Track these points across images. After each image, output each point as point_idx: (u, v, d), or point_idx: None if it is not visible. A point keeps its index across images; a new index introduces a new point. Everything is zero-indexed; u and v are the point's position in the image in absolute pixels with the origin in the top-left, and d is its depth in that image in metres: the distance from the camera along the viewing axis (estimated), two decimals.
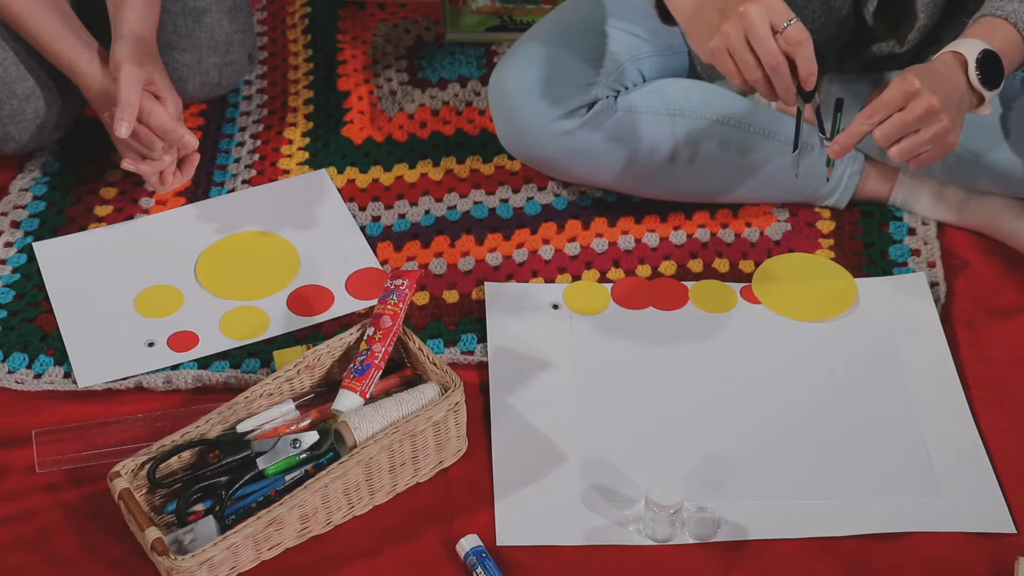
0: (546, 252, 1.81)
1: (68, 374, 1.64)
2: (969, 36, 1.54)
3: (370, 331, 1.53)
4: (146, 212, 1.89)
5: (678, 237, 1.82)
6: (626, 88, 1.76)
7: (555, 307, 1.72)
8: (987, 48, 1.51)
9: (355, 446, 1.42)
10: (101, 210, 1.89)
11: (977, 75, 1.51)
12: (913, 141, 1.49)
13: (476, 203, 1.89)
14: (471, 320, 1.71)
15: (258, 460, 1.44)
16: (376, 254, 1.81)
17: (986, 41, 1.52)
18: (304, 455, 1.45)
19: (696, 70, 1.85)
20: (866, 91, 1.75)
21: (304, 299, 1.74)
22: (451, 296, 1.75)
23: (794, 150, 1.59)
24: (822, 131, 1.56)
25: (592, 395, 1.60)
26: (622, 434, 1.55)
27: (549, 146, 1.75)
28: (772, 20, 1.44)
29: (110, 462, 1.43)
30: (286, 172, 1.96)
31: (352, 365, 1.51)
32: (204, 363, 1.65)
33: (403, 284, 1.57)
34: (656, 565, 1.42)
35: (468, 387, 1.49)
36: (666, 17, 1.59)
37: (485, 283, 1.75)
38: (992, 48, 1.51)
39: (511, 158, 1.92)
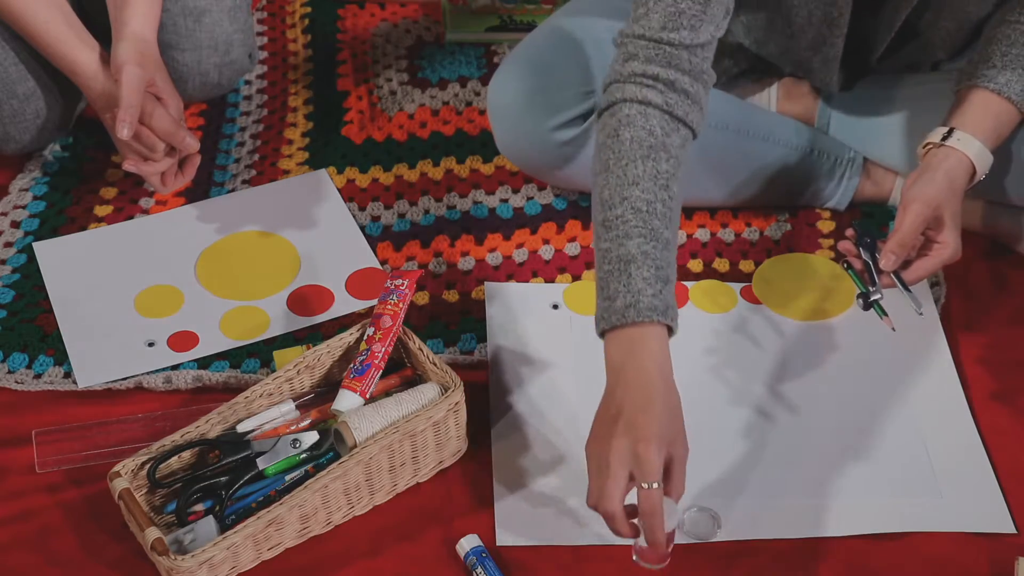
0: (546, 252, 1.81)
1: (68, 374, 1.64)
2: (971, 123, 1.53)
3: (370, 331, 1.53)
4: (146, 212, 1.89)
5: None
6: None
7: (555, 307, 1.72)
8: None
9: (355, 446, 1.42)
10: (101, 210, 1.89)
11: (978, 183, 1.55)
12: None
13: (476, 203, 1.89)
14: (471, 320, 1.71)
15: (258, 460, 1.44)
16: (376, 254, 1.80)
17: (986, 125, 1.53)
18: (304, 455, 1.45)
19: None
20: (902, 92, 1.76)
21: (304, 299, 1.74)
22: (451, 296, 1.75)
23: (865, 308, 1.56)
24: (873, 283, 1.54)
25: (592, 395, 1.59)
26: None
27: (549, 155, 1.74)
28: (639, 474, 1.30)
29: (110, 462, 1.43)
30: (286, 172, 1.96)
31: (352, 365, 1.51)
32: (204, 363, 1.65)
33: (403, 284, 1.57)
34: None
35: (468, 387, 1.49)
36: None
37: (485, 283, 1.75)
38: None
39: None
